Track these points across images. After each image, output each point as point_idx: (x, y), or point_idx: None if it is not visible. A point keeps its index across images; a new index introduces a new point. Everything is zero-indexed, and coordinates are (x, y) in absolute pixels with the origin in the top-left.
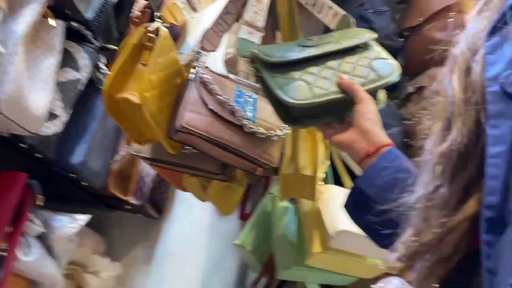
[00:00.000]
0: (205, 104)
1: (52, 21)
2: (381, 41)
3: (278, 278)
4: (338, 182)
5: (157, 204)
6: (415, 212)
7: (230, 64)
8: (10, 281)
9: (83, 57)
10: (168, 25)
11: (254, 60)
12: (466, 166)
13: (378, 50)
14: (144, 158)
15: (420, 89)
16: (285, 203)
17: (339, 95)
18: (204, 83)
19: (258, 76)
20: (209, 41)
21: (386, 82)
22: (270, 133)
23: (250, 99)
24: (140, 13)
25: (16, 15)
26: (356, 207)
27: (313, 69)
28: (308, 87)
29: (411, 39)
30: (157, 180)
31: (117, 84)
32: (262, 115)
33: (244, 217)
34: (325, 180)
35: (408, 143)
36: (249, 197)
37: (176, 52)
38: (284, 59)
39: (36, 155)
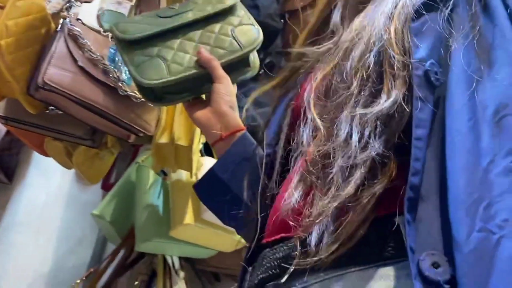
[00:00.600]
0: (74, 59)
1: None
2: (263, 19)
3: (137, 250)
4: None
5: (6, 168)
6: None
7: None
8: None
9: None
10: None
11: (113, 36)
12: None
13: (241, 14)
14: None
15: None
16: (152, 175)
17: (196, 70)
18: (74, 36)
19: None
20: None
21: (247, 51)
22: None
23: None
24: None
25: None
26: (210, 190)
27: (171, 43)
28: (166, 64)
29: (291, 22)
30: (7, 139)
31: None
32: None
33: (107, 187)
34: (201, 152)
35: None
36: (115, 166)
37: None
38: (138, 35)
39: None
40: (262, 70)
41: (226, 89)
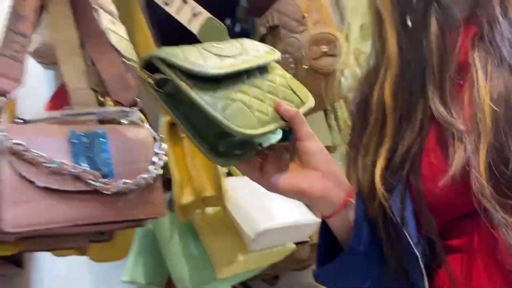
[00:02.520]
0: (30, 182)
1: None
2: None
3: None
4: None
5: (12, 258)
6: None
7: (42, 56)
8: None
9: None
10: None
11: (161, 69)
12: None
13: (279, 67)
14: None
15: (272, 29)
16: (168, 218)
17: (281, 123)
18: (18, 153)
19: (162, 95)
20: (6, 75)
21: (309, 106)
22: (142, 179)
23: (97, 142)
24: None
25: None
26: (345, 269)
27: (242, 87)
28: (250, 112)
29: None
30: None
31: None
32: (121, 157)
33: None
34: None
35: None
36: None
37: None
38: (217, 70)
39: None
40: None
41: (321, 146)
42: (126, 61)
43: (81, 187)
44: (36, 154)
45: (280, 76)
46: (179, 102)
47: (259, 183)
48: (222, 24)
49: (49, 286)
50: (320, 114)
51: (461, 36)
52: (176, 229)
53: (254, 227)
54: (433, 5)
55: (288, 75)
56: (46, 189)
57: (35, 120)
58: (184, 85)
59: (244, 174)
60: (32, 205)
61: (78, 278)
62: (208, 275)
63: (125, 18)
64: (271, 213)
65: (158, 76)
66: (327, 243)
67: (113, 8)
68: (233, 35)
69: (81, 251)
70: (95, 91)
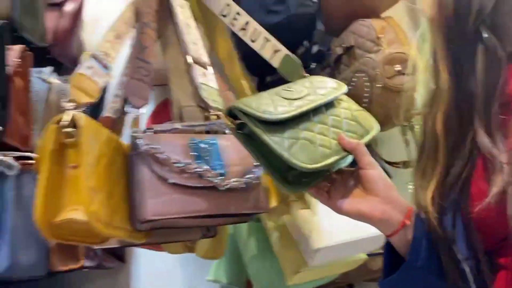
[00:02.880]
0: (164, 179)
1: None
2: (295, 11)
3: None
4: None
5: (115, 253)
6: None
7: None
8: None
9: None
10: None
11: (238, 116)
12: None
13: (347, 99)
14: None
15: (348, 49)
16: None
17: (342, 154)
18: (153, 156)
19: (241, 135)
20: (135, 94)
21: (373, 134)
22: (248, 178)
23: (211, 147)
24: (19, 60)
25: None
26: (405, 281)
27: (307, 125)
28: (314, 147)
29: None
30: None
31: (50, 205)
32: (231, 160)
33: None
34: None
35: None
36: None
37: (107, 131)
38: (281, 115)
39: None
40: (314, 64)
41: (382, 173)
42: (212, 111)
43: (202, 183)
44: (167, 156)
45: (345, 109)
46: (255, 141)
47: (326, 205)
48: (298, 60)
49: (145, 280)
50: (397, 129)
51: (507, 70)
52: (254, 233)
53: (310, 245)
54: (481, 39)
55: (354, 107)
56: (175, 185)
57: (161, 130)
58: (257, 130)
59: (313, 197)
60: (164, 198)
61: (170, 275)
62: (282, 279)
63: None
64: (329, 231)
65: (238, 121)
66: (391, 257)
67: (205, 58)
68: (311, 56)
69: (190, 248)
70: (200, 107)
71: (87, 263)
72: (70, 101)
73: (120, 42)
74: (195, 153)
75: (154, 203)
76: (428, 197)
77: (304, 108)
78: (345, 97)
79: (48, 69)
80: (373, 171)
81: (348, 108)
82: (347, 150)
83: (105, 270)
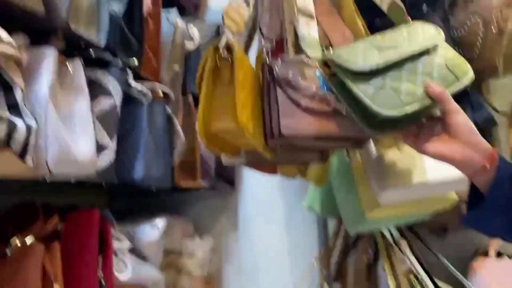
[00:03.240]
0: (297, 103)
1: (69, 67)
2: None
3: (350, 233)
4: None
5: (227, 178)
6: None
7: None
8: None
9: (110, 81)
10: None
11: (331, 66)
12: None
13: (445, 46)
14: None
15: None
16: (336, 158)
17: (428, 102)
18: (287, 82)
19: (335, 83)
20: (268, 25)
21: (464, 84)
22: None
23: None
24: (151, 5)
25: (37, 78)
26: (485, 218)
27: (395, 74)
28: (397, 95)
29: None
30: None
31: (209, 117)
32: None
33: None
34: None
35: (461, 53)
36: None
37: (248, 58)
38: (368, 67)
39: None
40: (426, 7)
41: (465, 119)
42: (310, 60)
43: (327, 108)
44: (300, 84)
45: (440, 56)
46: (346, 88)
47: (412, 147)
48: (401, 5)
49: (251, 203)
50: None
51: None
52: (342, 169)
53: (377, 185)
54: None
55: (450, 54)
56: (307, 109)
57: (289, 60)
58: (345, 79)
59: (400, 139)
60: (296, 119)
61: (272, 199)
62: (363, 213)
63: None
64: (401, 173)
65: (331, 70)
66: (475, 196)
67: (310, 7)
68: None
69: (302, 172)
70: None
71: (203, 183)
72: (226, 28)
73: None
74: (320, 82)
75: (288, 122)
76: None
77: (394, 58)
78: (444, 44)
79: (174, 11)
80: (457, 117)
81: (443, 55)
82: (432, 98)
83: (217, 192)
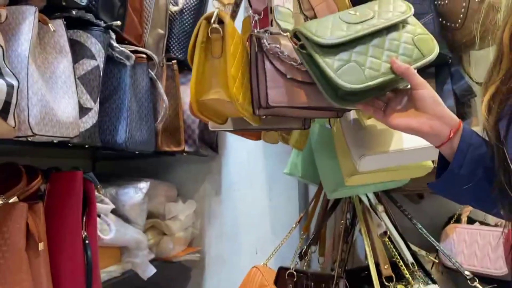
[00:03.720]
0: (283, 74)
1: (51, 26)
2: None
3: (329, 198)
4: None
5: (210, 144)
6: None
7: None
8: (102, 254)
9: (93, 43)
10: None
11: (300, 38)
12: None
13: (414, 23)
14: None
15: None
16: (318, 126)
17: (391, 76)
18: (275, 54)
19: (304, 54)
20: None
21: (429, 60)
22: None
23: None
24: None
25: (17, 36)
26: (449, 185)
27: (361, 48)
28: (361, 69)
29: None
30: (205, 124)
31: (200, 86)
32: None
33: None
34: None
35: (444, 24)
36: None
37: (238, 31)
38: (336, 40)
39: (86, 146)
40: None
41: (431, 92)
42: (282, 32)
43: (309, 79)
44: (286, 55)
45: (407, 33)
46: (313, 60)
47: (381, 122)
48: None
49: (233, 168)
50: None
51: None
52: (323, 137)
53: (355, 152)
54: None
55: (418, 30)
56: (291, 80)
57: (275, 32)
58: (312, 52)
59: (369, 114)
60: (283, 91)
61: (255, 165)
62: (342, 180)
63: None
64: (377, 141)
65: (300, 43)
66: (443, 165)
67: None
68: None
69: (284, 139)
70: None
71: (187, 148)
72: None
73: None
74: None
75: (275, 93)
76: (485, 101)
77: (360, 33)
78: (413, 21)
79: None
80: (422, 91)
81: (411, 32)
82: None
83: (201, 157)
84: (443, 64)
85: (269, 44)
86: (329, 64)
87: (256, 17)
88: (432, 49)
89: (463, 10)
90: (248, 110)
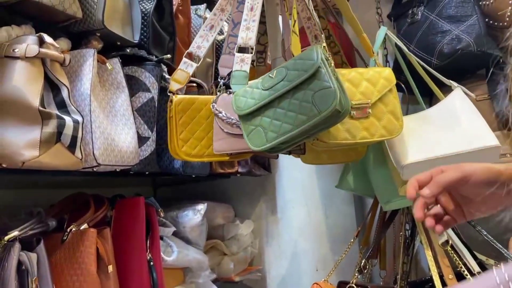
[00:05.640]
0: (221, 129)
1: (108, 65)
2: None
3: (384, 210)
4: None
5: (262, 163)
6: None
7: None
8: (166, 276)
9: (147, 77)
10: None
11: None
12: None
13: (324, 73)
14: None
15: None
16: None
17: (287, 135)
18: (217, 115)
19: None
20: (225, 65)
21: (323, 116)
22: None
23: None
24: (180, 0)
25: (80, 77)
26: None
27: (269, 112)
28: (264, 133)
29: None
30: None
31: (174, 145)
32: None
33: None
34: None
35: (491, 24)
36: None
37: (199, 99)
38: (247, 110)
39: (146, 173)
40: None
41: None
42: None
43: (240, 132)
44: (224, 116)
45: (310, 90)
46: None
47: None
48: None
49: (287, 186)
50: None
51: None
52: (374, 147)
53: (398, 161)
54: None
55: (317, 86)
56: (228, 133)
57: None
58: (239, 118)
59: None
60: (222, 142)
61: (308, 182)
62: (395, 190)
63: None
64: (417, 149)
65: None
66: None
67: (251, 42)
68: None
69: (323, 160)
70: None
71: (240, 169)
72: (169, 91)
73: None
74: None
75: (217, 144)
76: None
77: (267, 100)
78: (325, 72)
79: (203, 6)
80: (463, 184)
81: (314, 87)
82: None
83: (255, 177)
84: (494, 64)
85: (215, 108)
86: (245, 128)
87: (221, 82)
88: (329, 105)
89: (510, 8)
90: (211, 155)
